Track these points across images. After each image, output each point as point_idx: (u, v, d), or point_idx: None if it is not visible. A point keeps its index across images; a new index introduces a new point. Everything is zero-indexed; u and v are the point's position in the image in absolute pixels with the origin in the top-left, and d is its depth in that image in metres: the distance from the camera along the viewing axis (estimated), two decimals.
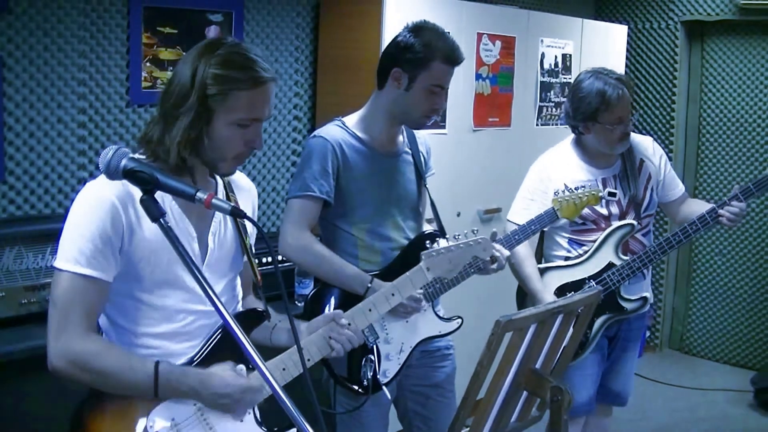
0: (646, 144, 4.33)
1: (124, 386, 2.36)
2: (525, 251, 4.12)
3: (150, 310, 2.46)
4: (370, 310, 2.84)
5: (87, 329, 2.36)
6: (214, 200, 2.10)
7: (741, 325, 7.43)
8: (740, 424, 6.27)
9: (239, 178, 2.80)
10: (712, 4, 7.08)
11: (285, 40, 5.30)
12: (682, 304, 7.75)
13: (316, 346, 2.69)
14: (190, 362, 2.51)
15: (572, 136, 4.28)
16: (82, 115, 4.41)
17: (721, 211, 3.95)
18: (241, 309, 2.77)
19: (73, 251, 2.34)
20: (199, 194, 2.11)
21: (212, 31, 4.84)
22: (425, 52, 3.41)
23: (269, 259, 4.64)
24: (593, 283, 4.08)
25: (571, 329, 3.04)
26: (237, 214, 2.12)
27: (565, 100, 4.75)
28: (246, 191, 2.81)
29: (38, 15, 4.17)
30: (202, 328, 2.55)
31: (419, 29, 3.48)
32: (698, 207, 4.16)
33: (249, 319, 2.68)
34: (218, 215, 2.60)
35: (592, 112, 4.02)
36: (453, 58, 3.46)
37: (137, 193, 2.24)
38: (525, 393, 3.00)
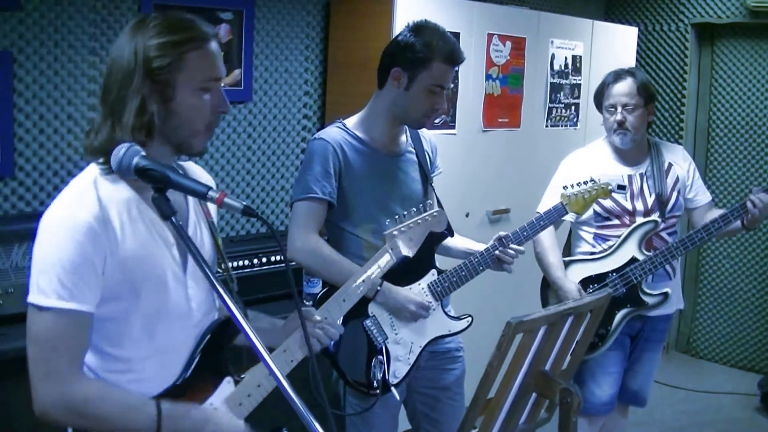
0: (676, 150, 4.47)
1: (125, 429, 2.18)
2: (550, 241, 4.26)
3: (134, 330, 2.25)
4: (344, 300, 2.77)
5: (78, 370, 2.17)
6: (226, 199, 2.01)
7: (748, 328, 7.41)
8: (747, 427, 6.26)
9: (197, 170, 2.63)
10: (722, 7, 7.07)
11: (295, 39, 5.30)
12: (690, 307, 7.73)
13: (297, 344, 2.54)
14: (178, 379, 2.34)
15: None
16: (92, 112, 4.40)
17: (751, 197, 4.03)
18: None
19: (54, 284, 2.10)
20: (211, 192, 2.03)
21: (222, 30, 4.84)
22: (425, 52, 3.39)
23: (277, 257, 4.65)
24: (616, 276, 4.16)
25: (581, 331, 3.05)
26: (250, 213, 2.01)
27: (574, 101, 4.83)
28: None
29: (49, 12, 4.18)
30: (186, 342, 2.38)
31: (419, 28, 3.47)
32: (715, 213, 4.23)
33: (231, 328, 2.49)
34: (192, 218, 2.44)
35: (597, 96, 4.34)
36: (453, 57, 3.44)
37: (111, 205, 2.18)
38: (534, 394, 3.00)
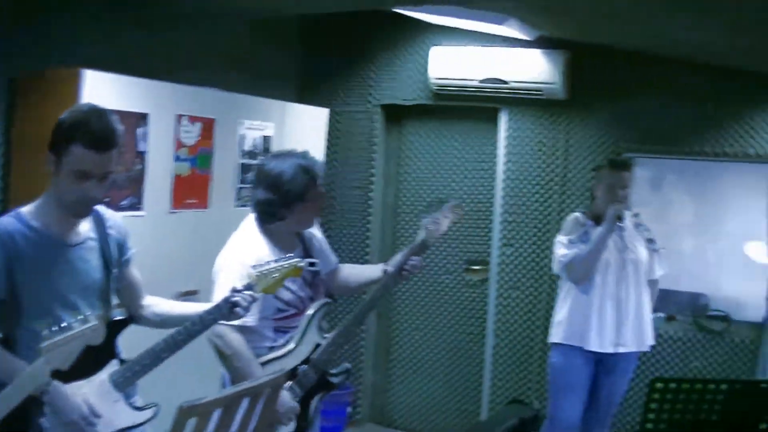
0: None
1: None
2: (240, 338, 4.04)
3: None
4: None
5: None
6: None
7: (439, 396, 7.71)
8: None
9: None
10: (408, 89, 7.49)
11: None
12: (382, 379, 7.97)
13: None
14: None
15: (250, 223, 4.32)
16: None
17: (405, 266, 4.31)
18: None
19: None
20: None
21: None
22: (66, 134, 3.19)
23: None
24: (307, 367, 4.14)
25: (257, 412, 3.09)
26: None
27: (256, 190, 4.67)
28: None
29: None
30: None
31: (72, 110, 3.30)
32: (361, 269, 4.56)
33: None
34: None
35: (301, 192, 4.12)
36: (93, 142, 3.18)
37: None
38: None
